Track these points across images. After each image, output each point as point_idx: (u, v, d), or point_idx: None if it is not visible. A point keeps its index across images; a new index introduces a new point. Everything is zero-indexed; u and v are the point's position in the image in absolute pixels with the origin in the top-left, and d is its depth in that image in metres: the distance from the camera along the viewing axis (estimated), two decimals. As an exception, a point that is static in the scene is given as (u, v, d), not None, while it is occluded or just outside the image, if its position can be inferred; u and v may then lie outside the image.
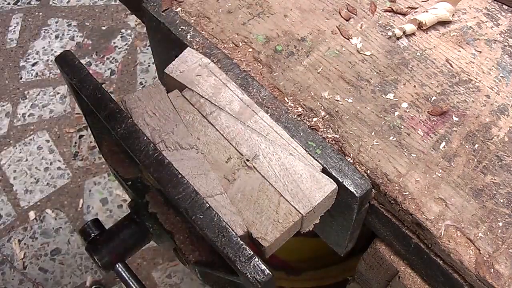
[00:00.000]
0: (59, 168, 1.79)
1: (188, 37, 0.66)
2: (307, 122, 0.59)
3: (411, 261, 0.59)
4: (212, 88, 0.61)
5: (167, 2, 0.68)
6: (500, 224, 0.53)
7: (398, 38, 0.66)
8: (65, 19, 2.14)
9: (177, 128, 0.59)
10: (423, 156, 0.57)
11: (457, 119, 0.59)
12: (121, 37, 2.07)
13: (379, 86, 0.62)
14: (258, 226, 0.53)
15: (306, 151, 0.57)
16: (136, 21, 2.10)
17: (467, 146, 0.58)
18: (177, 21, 0.67)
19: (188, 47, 0.65)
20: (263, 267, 0.48)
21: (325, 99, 0.61)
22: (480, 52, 0.65)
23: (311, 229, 0.59)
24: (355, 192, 0.54)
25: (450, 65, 0.64)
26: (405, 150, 0.57)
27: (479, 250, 0.51)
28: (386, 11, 0.69)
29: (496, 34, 0.67)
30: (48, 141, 1.85)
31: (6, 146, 1.85)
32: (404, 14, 0.68)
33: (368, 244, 0.63)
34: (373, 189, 0.56)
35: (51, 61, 2.02)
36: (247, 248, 0.49)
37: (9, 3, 2.20)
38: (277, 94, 0.62)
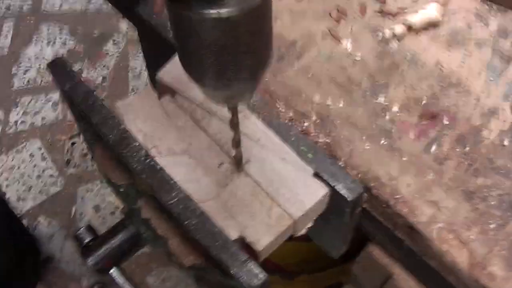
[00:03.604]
0: (51, 175, 1.79)
1: (180, 42, 0.66)
2: (299, 127, 0.59)
3: (404, 264, 0.59)
4: (204, 94, 0.61)
5: (159, 6, 0.68)
6: (492, 226, 0.53)
7: (388, 40, 0.66)
8: (57, 25, 2.13)
9: (169, 134, 0.59)
10: (414, 159, 0.57)
11: (447, 122, 0.60)
12: (113, 43, 2.07)
13: (370, 90, 0.62)
14: (251, 230, 0.52)
15: (298, 155, 0.57)
16: (128, 27, 2.10)
17: (458, 149, 0.58)
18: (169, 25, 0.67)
19: (180, 53, 0.65)
20: (258, 270, 0.48)
21: (316, 103, 0.61)
22: (470, 54, 0.65)
23: (304, 233, 0.59)
24: (347, 196, 0.54)
25: (441, 67, 0.64)
26: (397, 153, 0.57)
27: (472, 252, 0.51)
28: (376, 12, 0.69)
29: (486, 35, 0.67)
30: (40, 148, 1.84)
31: (-1, 154, 1.84)
32: (394, 16, 0.68)
33: (362, 247, 0.63)
34: (365, 193, 0.56)
35: (43, 67, 2.02)
36: (241, 252, 0.49)
37: (0, 9, 2.20)
38: (268, 98, 0.62)
